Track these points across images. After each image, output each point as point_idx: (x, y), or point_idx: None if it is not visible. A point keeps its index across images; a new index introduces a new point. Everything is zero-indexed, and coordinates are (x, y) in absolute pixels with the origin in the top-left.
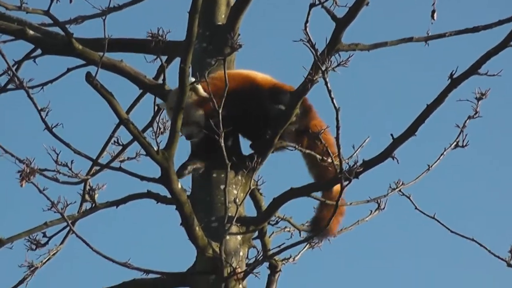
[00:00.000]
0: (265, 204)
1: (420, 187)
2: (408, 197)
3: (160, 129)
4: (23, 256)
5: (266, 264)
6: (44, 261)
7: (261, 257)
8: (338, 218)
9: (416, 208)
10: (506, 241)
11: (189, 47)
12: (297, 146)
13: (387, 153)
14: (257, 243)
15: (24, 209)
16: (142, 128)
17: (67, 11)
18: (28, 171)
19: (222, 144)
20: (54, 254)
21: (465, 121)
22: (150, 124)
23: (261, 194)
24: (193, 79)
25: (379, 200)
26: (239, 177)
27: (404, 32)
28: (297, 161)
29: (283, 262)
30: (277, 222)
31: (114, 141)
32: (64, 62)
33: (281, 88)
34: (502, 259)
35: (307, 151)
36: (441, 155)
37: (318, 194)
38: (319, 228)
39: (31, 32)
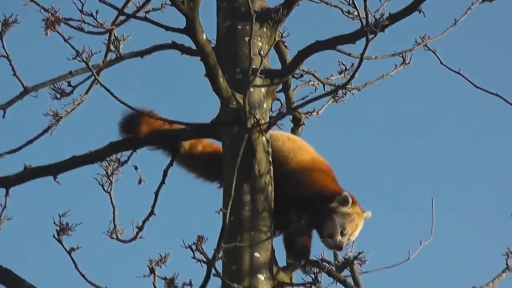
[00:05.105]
0: (290, 57)
1: (446, 42)
2: (434, 52)
3: None
4: (47, 106)
5: (289, 117)
6: (69, 110)
7: (285, 110)
8: None
9: (441, 63)
10: None
11: None
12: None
13: (413, 6)
14: (281, 96)
15: (49, 58)
16: None
17: None
18: (53, 19)
19: None
20: (78, 104)
21: None
22: None
23: (286, 46)
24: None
25: (404, 54)
26: (264, 29)
27: None
28: (322, 14)
29: (307, 115)
30: (301, 76)
31: None
32: None
33: None
34: None
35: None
36: (468, 9)
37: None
38: None
39: None
